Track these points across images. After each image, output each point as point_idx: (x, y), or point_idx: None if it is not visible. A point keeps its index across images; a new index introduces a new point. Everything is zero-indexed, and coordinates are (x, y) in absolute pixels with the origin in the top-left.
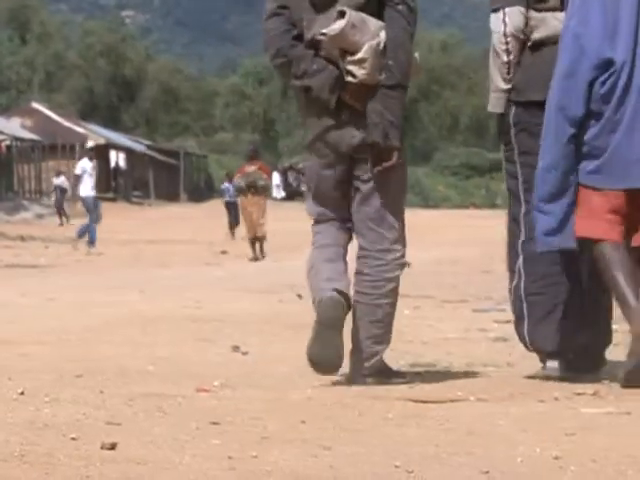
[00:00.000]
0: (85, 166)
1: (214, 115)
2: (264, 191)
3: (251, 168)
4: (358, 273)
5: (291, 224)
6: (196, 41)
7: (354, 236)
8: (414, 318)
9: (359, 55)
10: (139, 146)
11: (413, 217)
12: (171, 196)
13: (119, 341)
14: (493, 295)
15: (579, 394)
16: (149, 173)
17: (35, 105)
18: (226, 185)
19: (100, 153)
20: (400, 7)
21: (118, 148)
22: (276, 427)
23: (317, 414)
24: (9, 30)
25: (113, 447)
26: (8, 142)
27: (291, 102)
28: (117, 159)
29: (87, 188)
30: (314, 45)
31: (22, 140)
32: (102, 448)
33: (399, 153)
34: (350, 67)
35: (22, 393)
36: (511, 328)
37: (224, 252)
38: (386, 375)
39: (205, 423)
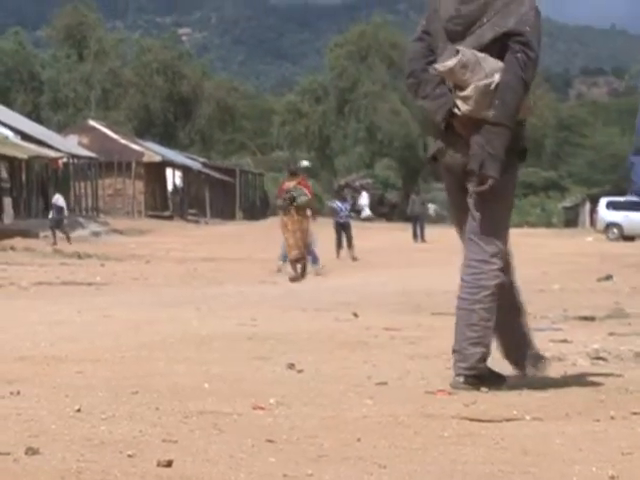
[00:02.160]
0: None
1: (270, 133)
2: (306, 207)
3: (291, 184)
4: (461, 280)
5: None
6: (252, 59)
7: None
8: None
9: (465, 92)
10: (195, 164)
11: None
12: (227, 214)
13: (174, 359)
14: (549, 314)
15: (635, 413)
16: (205, 191)
17: (92, 123)
18: (337, 204)
19: (156, 171)
20: (518, 55)
21: (174, 166)
22: (332, 445)
23: (373, 432)
24: (66, 47)
25: (169, 464)
26: (65, 159)
27: (347, 120)
28: (173, 177)
29: None
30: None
31: (79, 157)
32: (158, 465)
33: (496, 181)
34: (457, 101)
35: (79, 410)
36: (566, 347)
37: (279, 270)
38: (482, 379)
39: (261, 441)
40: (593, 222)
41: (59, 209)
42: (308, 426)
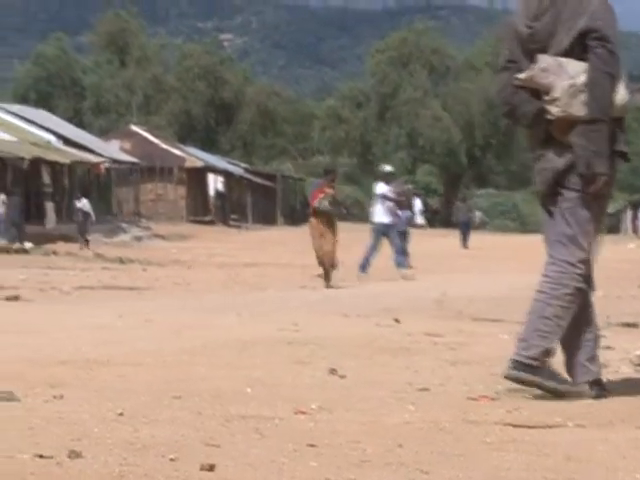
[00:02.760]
0: (382, 190)
1: (311, 138)
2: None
3: (330, 191)
4: (543, 276)
5: (387, 247)
6: (292, 64)
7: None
8: (512, 343)
9: (551, 95)
10: (237, 169)
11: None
12: (268, 219)
13: (216, 363)
14: None
15: None
16: (247, 196)
17: (134, 128)
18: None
19: (198, 176)
20: (598, 50)
21: (216, 171)
22: (374, 450)
23: (415, 438)
24: (108, 53)
25: (212, 468)
26: (107, 164)
27: (389, 125)
28: (215, 182)
29: (379, 214)
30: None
31: (120, 162)
32: (201, 469)
33: (608, 177)
34: (547, 106)
35: (121, 414)
36: (609, 354)
37: (320, 275)
38: (537, 373)
39: (302, 445)
40: (635, 229)
41: (85, 214)
42: (350, 431)
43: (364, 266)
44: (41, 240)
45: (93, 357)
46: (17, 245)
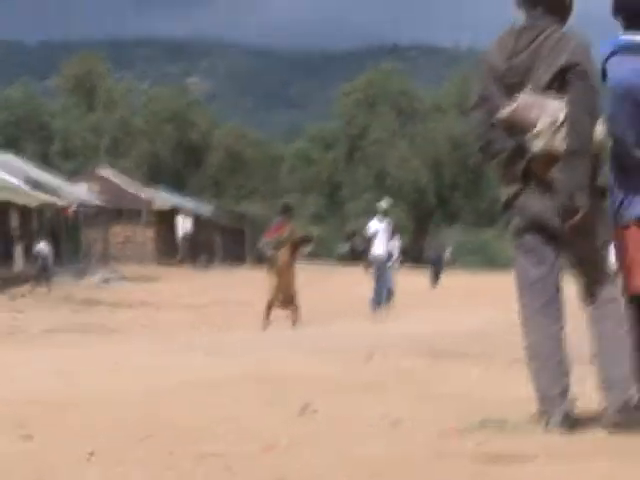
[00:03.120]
0: (377, 227)
1: (280, 179)
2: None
3: (289, 229)
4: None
5: (355, 287)
6: (260, 107)
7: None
8: (484, 377)
9: (535, 129)
10: (205, 210)
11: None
12: (237, 259)
13: (185, 402)
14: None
15: None
16: (215, 237)
17: (101, 171)
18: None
19: (166, 218)
20: (579, 84)
21: (185, 212)
22: None
23: (386, 472)
24: (75, 97)
25: None
26: (75, 207)
27: (357, 166)
28: (183, 223)
29: (379, 247)
30: (505, 127)
31: (89, 206)
32: None
33: (586, 211)
34: (530, 142)
35: (91, 454)
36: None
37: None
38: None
39: None
40: None
41: (44, 257)
42: (321, 465)
43: (379, 303)
44: (9, 283)
45: (63, 398)
46: None
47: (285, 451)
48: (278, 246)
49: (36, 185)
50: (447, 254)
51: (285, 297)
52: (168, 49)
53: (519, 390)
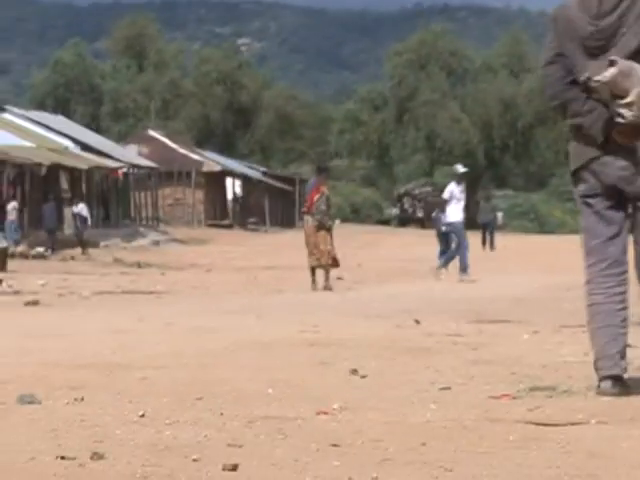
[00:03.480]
0: (453, 190)
1: (329, 141)
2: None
3: (326, 189)
4: None
5: (405, 249)
6: (311, 68)
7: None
8: (532, 342)
9: (628, 99)
10: (255, 173)
11: (528, 242)
12: (286, 222)
13: (237, 365)
14: None
15: None
16: (265, 200)
17: (151, 133)
18: (439, 214)
19: (216, 180)
20: None
21: (234, 175)
22: (396, 449)
23: (437, 436)
24: (126, 59)
25: (235, 468)
26: (125, 169)
27: (406, 128)
28: (233, 186)
29: (455, 213)
30: (586, 88)
31: (138, 167)
32: (224, 469)
33: None
34: (620, 110)
35: (143, 416)
36: (631, 352)
37: (340, 278)
38: None
39: (325, 445)
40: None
41: (83, 219)
42: (372, 430)
43: (464, 268)
44: (60, 245)
45: (113, 360)
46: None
47: (337, 416)
48: (327, 205)
49: (86, 147)
50: (499, 217)
51: (320, 257)
52: (219, 10)
53: (568, 355)
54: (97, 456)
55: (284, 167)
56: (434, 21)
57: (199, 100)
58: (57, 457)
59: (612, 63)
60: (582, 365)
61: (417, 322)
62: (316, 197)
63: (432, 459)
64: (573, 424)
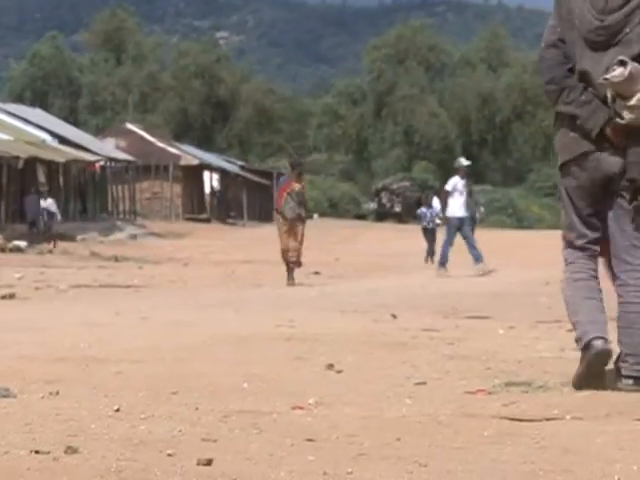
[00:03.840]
0: (457, 183)
1: (307, 135)
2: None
3: (297, 186)
4: (623, 285)
5: (383, 244)
6: (290, 62)
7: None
8: (509, 338)
9: (632, 102)
10: (233, 167)
11: (506, 237)
12: (264, 216)
13: (213, 359)
14: None
15: None
16: (242, 193)
17: (129, 126)
18: (423, 210)
19: (194, 174)
20: None
21: (212, 169)
22: (371, 444)
23: (412, 431)
24: (104, 52)
25: (209, 463)
26: (102, 163)
27: (385, 123)
28: (211, 180)
29: (455, 208)
30: (584, 79)
31: (116, 161)
32: (198, 464)
33: None
34: (621, 110)
35: (118, 410)
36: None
37: (317, 273)
38: None
39: (300, 440)
40: None
41: (51, 214)
42: (347, 425)
43: (443, 262)
44: (36, 239)
45: (90, 354)
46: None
47: (312, 411)
48: (297, 201)
49: (63, 140)
50: (480, 212)
51: (292, 254)
52: (198, 3)
53: (544, 350)
54: (71, 450)
55: (262, 161)
56: (413, 16)
57: (177, 93)
58: (31, 451)
59: (622, 63)
60: (558, 361)
61: (394, 317)
62: (284, 195)
63: (407, 454)
64: (548, 420)
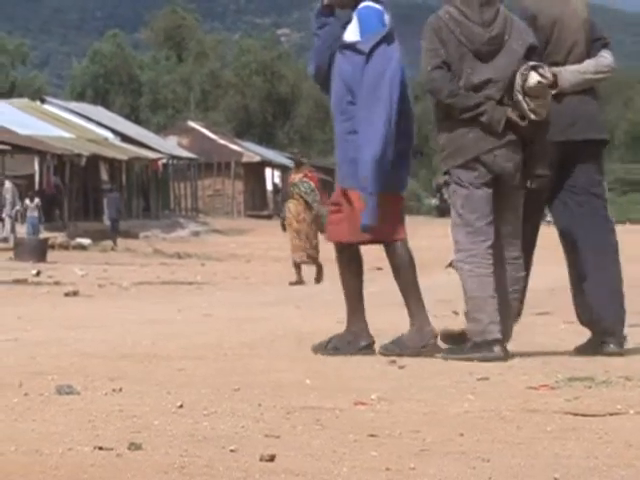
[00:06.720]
0: None
1: None
2: (312, 202)
3: (297, 176)
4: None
5: (446, 240)
6: None
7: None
8: (570, 332)
9: (544, 101)
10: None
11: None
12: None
13: (276, 356)
14: None
15: None
16: None
17: (191, 124)
18: None
19: (255, 171)
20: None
21: (273, 166)
22: (434, 439)
23: (475, 427)
24: (165, 49)
25: (272, 459)
26: (165, 160)
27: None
28: (272, 177)
29: None
30: (476, 90)
31: (178, 158)
32: (261, 460)
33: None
34: (537, 108)
35: (181, 406)
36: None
37: (379, 268)
38: None
39: (363, 435)
40: None
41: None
42: (410, 421)
43: None
44: (99, 236)
45: (152, 351)
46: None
47: (375, 406)
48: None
49: (125, 138)
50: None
51: (302, 253)
52: (259, 0)
53: None
54: (135, 446)
55: (323, 157)
56: None
57: (238, 91)
58: (95, 447)
59: (534, 68)
60: (620, 355)
61: (455, 313)
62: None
63: (470, 450)
64: (611, 414)
